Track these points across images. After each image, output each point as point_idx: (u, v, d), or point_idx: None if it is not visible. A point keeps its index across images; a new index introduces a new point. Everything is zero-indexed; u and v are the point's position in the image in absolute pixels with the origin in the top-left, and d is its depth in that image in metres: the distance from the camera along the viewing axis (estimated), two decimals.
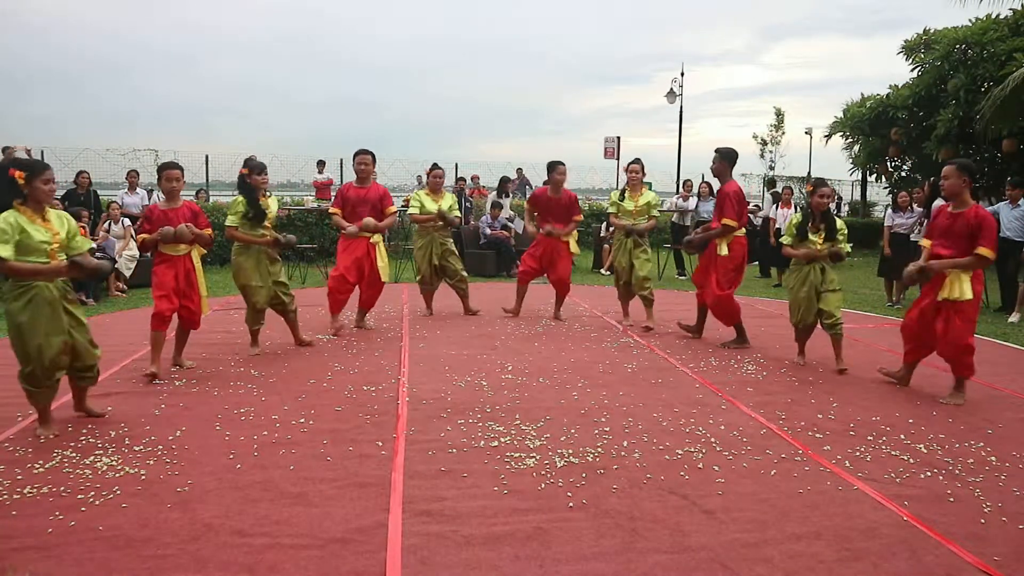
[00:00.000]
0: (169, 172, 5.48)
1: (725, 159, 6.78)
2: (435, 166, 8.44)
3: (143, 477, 3.68)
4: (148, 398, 5.03)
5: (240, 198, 6.22)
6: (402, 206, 14.20)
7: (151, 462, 3.88)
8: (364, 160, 7.18)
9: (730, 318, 6.88)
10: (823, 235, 6.01)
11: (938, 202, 9.31)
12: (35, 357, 4.11)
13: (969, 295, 5.02)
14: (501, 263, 12.59)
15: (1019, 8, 14.30)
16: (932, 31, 16.62)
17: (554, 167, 7.97)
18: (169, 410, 4.79)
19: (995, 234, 5.08)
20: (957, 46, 15.35)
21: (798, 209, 12.83)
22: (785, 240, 6.21)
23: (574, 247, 8.11)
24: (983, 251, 4.98)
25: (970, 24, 15.26)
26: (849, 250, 6.09)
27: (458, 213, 8.19)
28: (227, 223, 6.19)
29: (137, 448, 4.07)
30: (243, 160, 6.45)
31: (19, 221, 4.04)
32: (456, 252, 8.37)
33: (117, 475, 3.69)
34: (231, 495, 3.51)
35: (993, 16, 14.75)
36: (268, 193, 6.46)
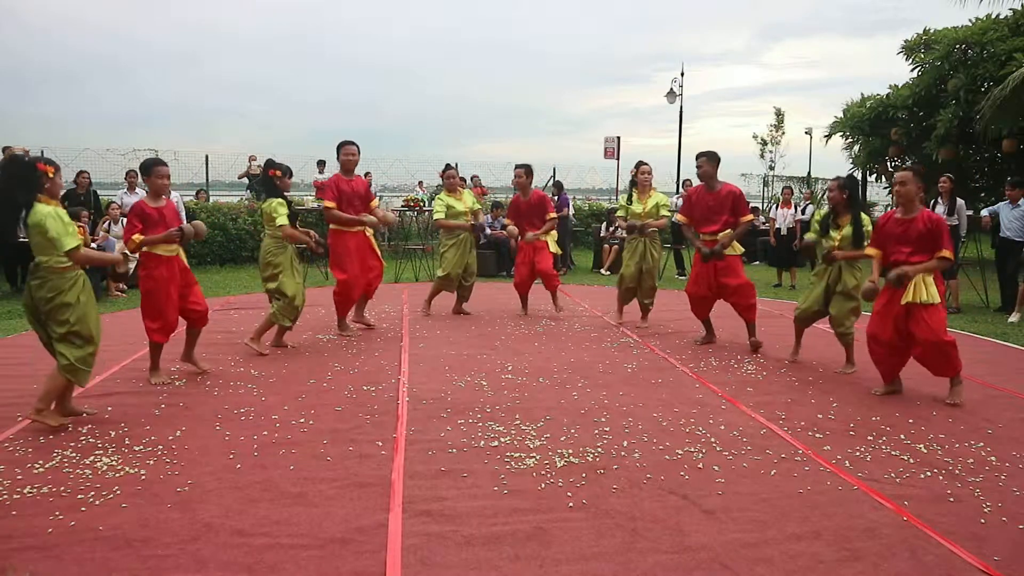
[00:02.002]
0: (160, 169, 5.36)
1: (713, 161, 6.80)
2: (447, 167, 8.48)
3: (143, 477, 3.68)
4: (148, 398, 5.04)
5: (277, 200, 6.33)
6: (402, 206, 14.26)
7: (151, 462, 3.88)
8: (352, 151, 7.13)
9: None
10: (842, 231, 5.92)
11: (939, 208, 9.33)
12: (96, 337, 4.42)
13: (937, 298, 5.08)
14: (501, 263, 12.59)
15: (1019, 8, 14.28)
16: (932, 31, 16.60)
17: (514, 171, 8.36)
18: (169, 410, 4.79)
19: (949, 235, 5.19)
20: (957, 46, 15.33)
21: (799, 210, 12.85)
22: (809, 236, 6.13)
23: (553, 247, 8.24)
24: (946, 253, 5.08)
25: (970, 24, 15.24)
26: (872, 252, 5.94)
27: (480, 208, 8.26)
28: (280, 223, 6.25)
29: (137, 448, 4.07)
30: (264, 161, 6.70)
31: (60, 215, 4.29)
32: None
33: (117, 475, 3.69)
34: (231, 495, 3.51)
35: (993, 16, 14.73)
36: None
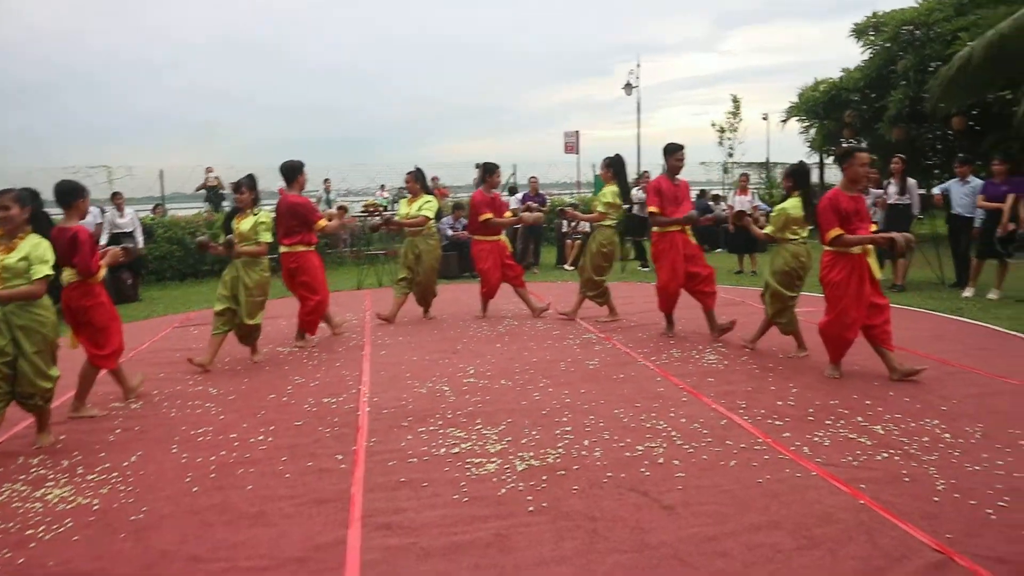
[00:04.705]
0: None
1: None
2: (409, 172, 8.36)
3: (96, 507, 3.60)
4: (103, 423, 4.94)
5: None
6: (360, 211, 14.14)
7: (105, 491, 3.80)
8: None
9: None
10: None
11: (892, 188, 9.47)
12: None
13: None
14: (464, 264, 12.54)
15: None
16: (881, 13, 16.84)
17: (493, 170, 8.29)
18: (124, 435, 4.70)
19: None
20: (904, 27, 15.56)
21: (756, 197, 12.97)
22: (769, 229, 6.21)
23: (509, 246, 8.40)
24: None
25: (916, 6, 15.50)
26: (769, 231, 6.19)
27: (427, 213, 8.06)
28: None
29: (91, 477, 3.99)
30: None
31: None
32: (423, 259, 8.06)
33: (69, 507, 3.61)
34: (187, 520, 3.45)
35: None
36: (255, 211, 6.38)
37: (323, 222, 7.04)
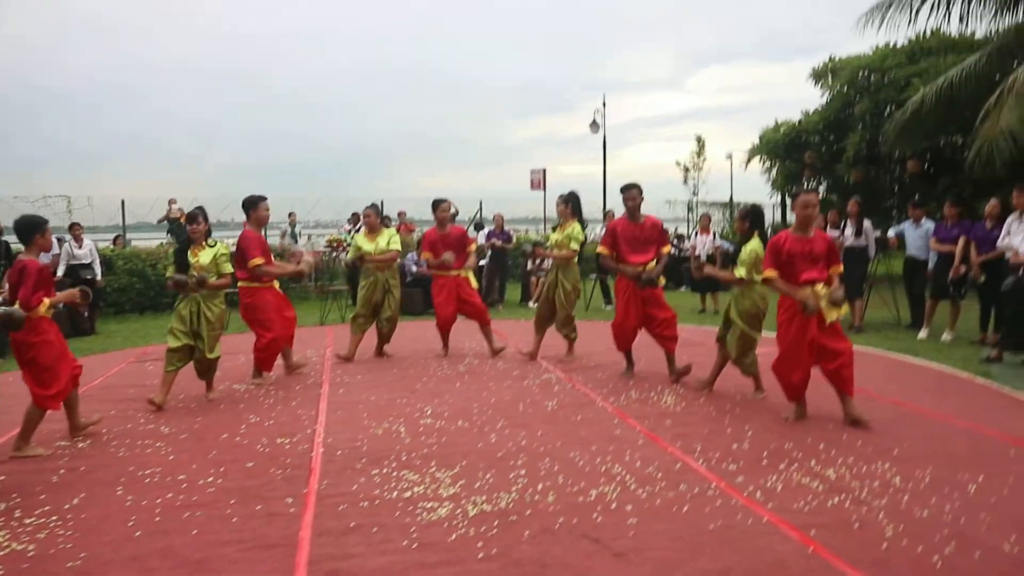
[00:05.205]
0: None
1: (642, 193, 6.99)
2: (369, 206, 8.36)
3: (31, 554, 3.48)
4: (46, 463, 4.80)
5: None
6: (325, 245, 14.09)
7: (42, 535, 3.68)
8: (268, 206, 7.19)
9: None
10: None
11: (848, 229, 9.65)
12: None
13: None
14: (428, 301, 12.48)
15: (914, 38, 15.08)
16: (837, 59, 17.36)
17: (437, 205, 8.29)
18: (68, 475, 4.57)
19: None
20: (861, 72, 16.07)
21: (718, 236, 13.15)
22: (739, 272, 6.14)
23: (473, 281, 8.42)
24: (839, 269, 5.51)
25: (871, 52, 16.01)
26: (742, 275, 6.03)
27: (398, 247, 8.15)
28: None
29: (28, 521, 3.86)
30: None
31: None
32: (394, 293, 8.14)
33: (1, 553, 3.48)
34: (127, 566, 3.35)
35: (891, 44, 15.53)
36: (211, 242, 6.35)
37: (257, 260, 6.76)
